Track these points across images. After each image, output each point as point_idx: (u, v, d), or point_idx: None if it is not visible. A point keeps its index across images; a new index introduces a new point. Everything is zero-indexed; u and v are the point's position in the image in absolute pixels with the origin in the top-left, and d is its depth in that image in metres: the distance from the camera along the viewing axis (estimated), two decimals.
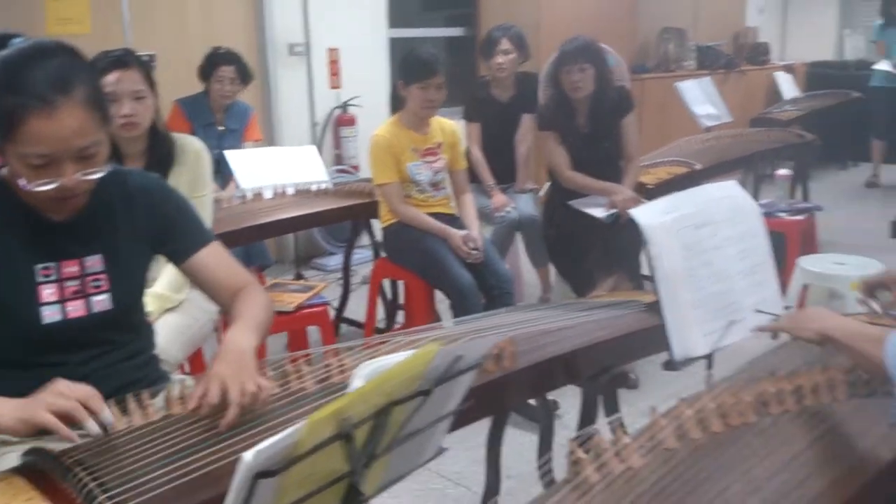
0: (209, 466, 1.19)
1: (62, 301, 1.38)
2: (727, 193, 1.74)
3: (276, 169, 3.63)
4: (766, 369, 1.49)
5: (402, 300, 3.57)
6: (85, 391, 1.23)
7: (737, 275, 1.65)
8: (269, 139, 4.86)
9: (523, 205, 3.81)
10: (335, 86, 5.05)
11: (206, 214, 2.40)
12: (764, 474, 1.14)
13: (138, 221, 1.48)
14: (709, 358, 1.61)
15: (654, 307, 1.61)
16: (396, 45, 5.47)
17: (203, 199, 2.37)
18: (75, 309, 1.39)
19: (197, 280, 1.56)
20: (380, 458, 1.15)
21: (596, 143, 3.30)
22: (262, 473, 0.90)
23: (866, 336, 1.25)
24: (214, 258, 1.55)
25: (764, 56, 7.83)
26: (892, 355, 1.14)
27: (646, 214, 1.57)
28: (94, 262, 1.42)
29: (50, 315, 1.36)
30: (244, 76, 3.95)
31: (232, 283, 1.55)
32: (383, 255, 3.30)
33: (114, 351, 1.47)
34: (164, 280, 2.22)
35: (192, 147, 2.34)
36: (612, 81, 3.30)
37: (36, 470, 1.17)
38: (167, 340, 2.09)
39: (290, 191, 3.39)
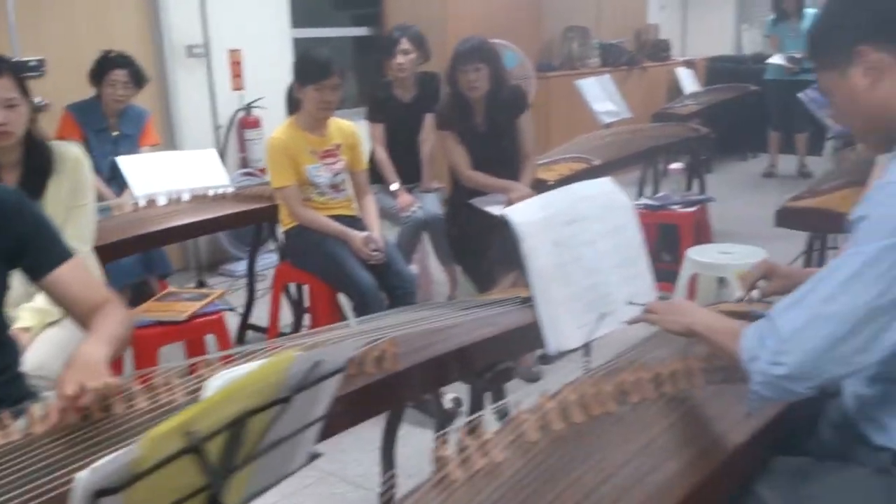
0: (68, 485, 1.16)
1: None
2: (599, 190, 1.80)
3: (174, 174, 3.54)
4: (633, 359, 1.54)
5: (308, 303, 3.54)
6: None
7: (609, 268, 1.70)
8: (170, 144, 4.75)
9: (429, 204, 3.84)
10: (238, 87, 4.96)
11: (89, 224, 2.34)
12: (618, 461, 1.18)
13: None
14: (587, 347, 1.65)
15: (529, 302, 1.64)
16: (301, 46, 5.41)
17: (84, 208, 2.31)
18: None
19: (55, 297, 1.52)
20: (242, 469, 1.14)
21: (494, 141, 3.35)
22: (103, 492, 0.89)
23: (725, 330, 1.29)
24: (73, 275, 1.52)
25: (665, 52, 8.07)
26: (746, 349, 1.19)
27: (518, 213, 1.60)
28: None
29: None
30: (138, 79, 3.85)
31: (90, 299, 1.52)
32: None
33: None
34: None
35: (70, 155, 2.27)
36: (507, 80, 3.35)
37: None
38: (49, 355, 2.03)
39: (186, 196, 3.32)
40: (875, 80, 1.22)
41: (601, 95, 5.10)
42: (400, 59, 3.79)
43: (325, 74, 2.94)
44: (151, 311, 2.63)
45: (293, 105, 3.11)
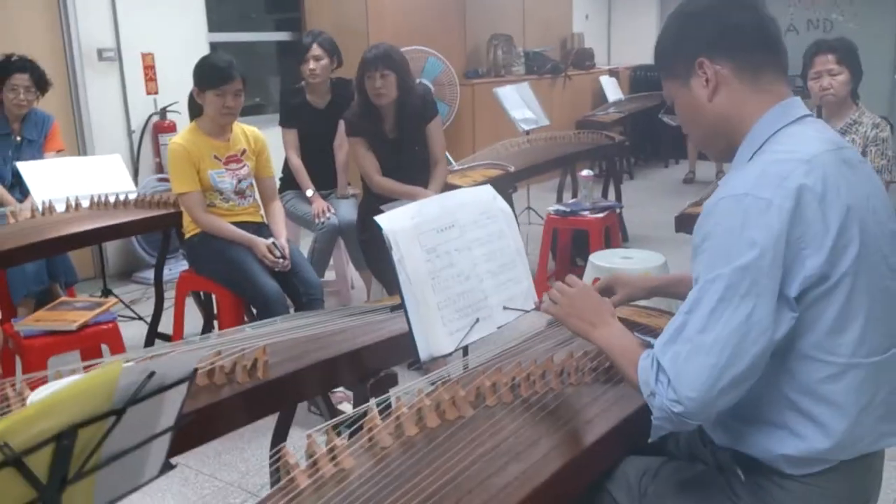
0: None
1: None
2: (477, 198, 1.82)
3: (77, 180, 3.46)
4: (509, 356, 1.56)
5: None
6: None
7: (484, 274, 1.72)
8: (81, 149, 4.64)
9: (344, 210, 3.82)
10: (152, 91, 4.88)
11: None
12: (464, 465, 1.19)
13: None
14: (465, 349, 1.67)
15: (399, 310, 1.65)
16: (220, 50, 5.35)
17: None
18: None
19: None
20: (79, 480, 1.12)
21: (404, 147, 3.35)
22: None
23: (624, 354, 1.27)
24: None
25: (590, 61, 8.21)
26: (643, 383, 1.19)
27: (389, 220, 1.61)
28: None
29: None
30: (40, 84, 3.75)
31: None
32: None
33: None
34: None
35: None
36: (414, 88, 3.36)
37: None
38: None
39: (84, 203, 3.24)
40: (713, 92, 1.26)
41: (519, 103, 5.17)
42: (312, 64, 3.78)
43: (225, 80, 2.91)
44: (42, 320, 2.56)
45: (195, 110, 3.07)
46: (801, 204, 1.12)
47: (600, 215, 3.97)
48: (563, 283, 1.47)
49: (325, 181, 3.96)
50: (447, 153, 4.15)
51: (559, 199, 5.28)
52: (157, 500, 2.48)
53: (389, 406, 1.39)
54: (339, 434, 1.27)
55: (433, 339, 1.59)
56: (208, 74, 2.93)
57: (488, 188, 1.89)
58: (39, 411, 0.98)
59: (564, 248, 4.35)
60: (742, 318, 1.11)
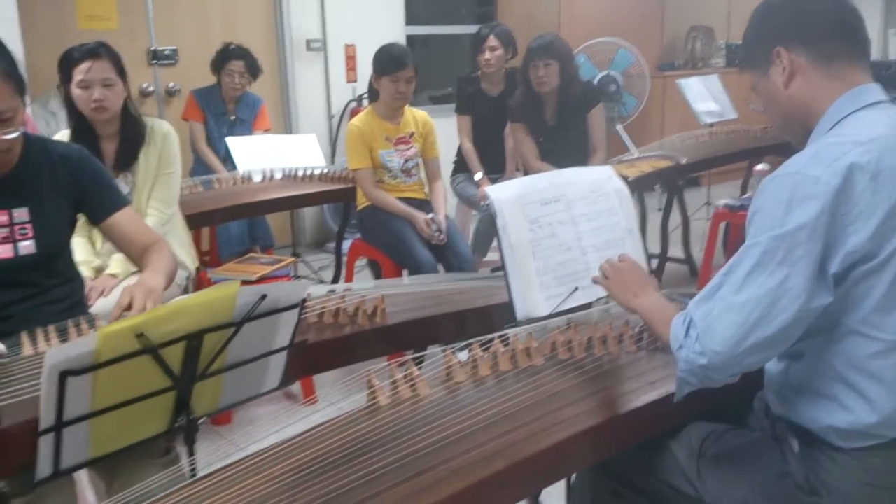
0: None
1: None
2: (593, 177, 1.92)
3: (275, 154, 3.92)
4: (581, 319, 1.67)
5: None
6: None
7: (588, 247, 1.83)
8: (286, 129, 5.18)
9: None
10: (351, 80, 5.33)
11: (173, 189, 2.69)
12: (520, 401, 1.34)
13: (60, 183, 1.77)
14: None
15: (500, 272, 1.80)
16: (414, 42, 5.73)
17: (170, 176, 2.67)
18: (4, 251, 1.69)
19: (112, 238, 1.84)
20: (205, 379, 1.39)
21: (563, 134, 3.47)
22: (68, 372, 1.16)
23: (660, 316, 1.37)
24: (127, 220, 1.83)
25: None
26: (674, 337, 1.28)
27: (497, 191, 1.77)
28: (22, 213, 1.72)
29: None
30: (253, 70, 4.27)
31: (142, 241, 1.83)
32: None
33: (39, 294, 1.76)
34: None
35: (160, 130, 2.64)
36: (577, 76, 3.46)
37: None
38: None
39: (278, 175, 3.67)
40: (789, 80, 1.32)
41: (704, 95, 5.05)
42: (487, 55, 3.98)
43: (399, 67, 3.19)
44: (230, 270, 2.98)
45: (373, 95, 3.38)
46: (850, 182, 1.15)
47: None
48: (616, 259, 1.58)
49: (495, 165, 4.15)
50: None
51: (742, 193, 5.11)
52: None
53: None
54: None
55: (530, 301, 1.73)
56: (385, 62, 3.23)
57: (608, 169, 1.99)
58: (172, 312, 1.25)
59: (735, 243, 4.23)
60: (775, 284, 1.16)
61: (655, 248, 4.48)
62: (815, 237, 1.15)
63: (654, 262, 4.48)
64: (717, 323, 1.20)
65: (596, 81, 6.03)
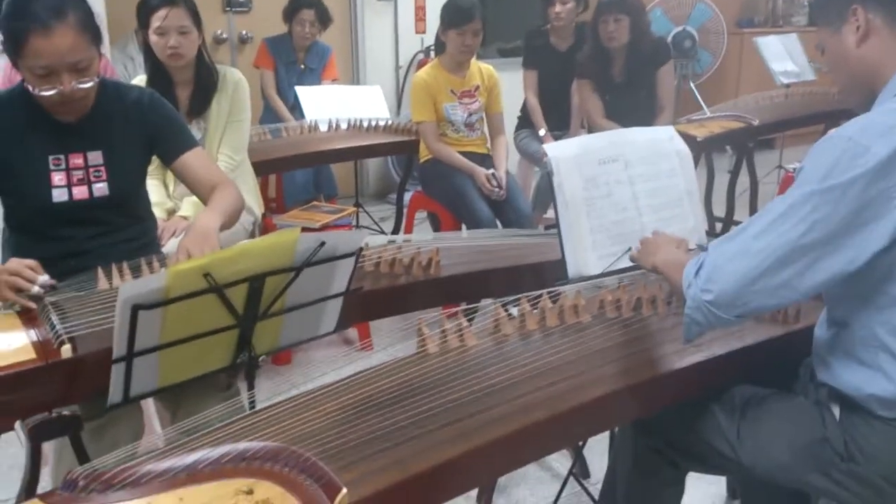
0: None
1: (69, 185, 1.78)
2: (654, 137, 1.91)
3: (341, 105, 3.97)
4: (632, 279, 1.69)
5: None
6: (17, 266, 1.59)
7: (644, 208, 1.83)
8: (354, 79, 5.23)
9: None
10: (420, 31, 5.32)
11: (242, 136, 2.77)
12: (563, 356, 1.38)
13: (133, 127, 1.85)
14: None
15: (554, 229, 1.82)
16: None
17: (240, 123, 2.74)
18: (80, 192, 1.79)
19: (182, 177, 1.93)
20: (267, 319, 1.46)
21: (630, 91, 3.43)
22: (139, 306, 1.24)
23: (675, 263, 1.40)
24: (196, 160, 1.91)
25: None
26: (685, 277, 1.31)
27: (554, 148, 1.78)
28: (96, 156, 1.81)
29: (59, 195, 1.77)
30: (323, 19, 4.32)
31: (210, 180, 1.91)
32: None
33: (113, 232, 1.87)
34: None
35: (232, 78, 2.71)
36: (648, 32, 3.40)
37: (28, 310, 1.58)
38: None
39: (344, 125, 3.73)
40: (862, 39, 1.29)
41: (782, 54, 4.88)
42: (558, 7, 3.91)
43: (466, 19, 3.18)
44: (294, 217, 3.08)
45: (440, 48, 3.39)
46: None
47: None
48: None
49: (560, 122, 4.12)
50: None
51: None
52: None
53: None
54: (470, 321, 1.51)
55: (582, 259, 1.75)
56: (452, 14, 3.22)
57: (668, 129, 1.98)
58: (236, 254, 1.33)
59: None
60: (793, 237, 1.19)
61: (722, 211, 4.41)
62: (844, 200, 1.16)
63: (719, 226, 4.42)
64: (729, 264, 1.24)
65: (670, 37, 5.88)
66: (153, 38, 2.54)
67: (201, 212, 1.84)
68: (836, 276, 1.20)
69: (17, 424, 1.22)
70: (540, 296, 1.56)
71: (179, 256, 1.66)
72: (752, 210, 4.55)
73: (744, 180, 4.42)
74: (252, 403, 1.42)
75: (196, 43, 2.59)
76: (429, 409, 1.22)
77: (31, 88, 1.67)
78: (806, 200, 1.19)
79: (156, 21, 2.51)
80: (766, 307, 1.25)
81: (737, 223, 4.44)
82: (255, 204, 2.86)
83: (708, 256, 1.28)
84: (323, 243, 1.41)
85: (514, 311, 1.55)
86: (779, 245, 1.20)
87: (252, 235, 2.83)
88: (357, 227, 3.76)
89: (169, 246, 2.29)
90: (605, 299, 1.57)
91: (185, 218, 2.57)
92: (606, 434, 1.98)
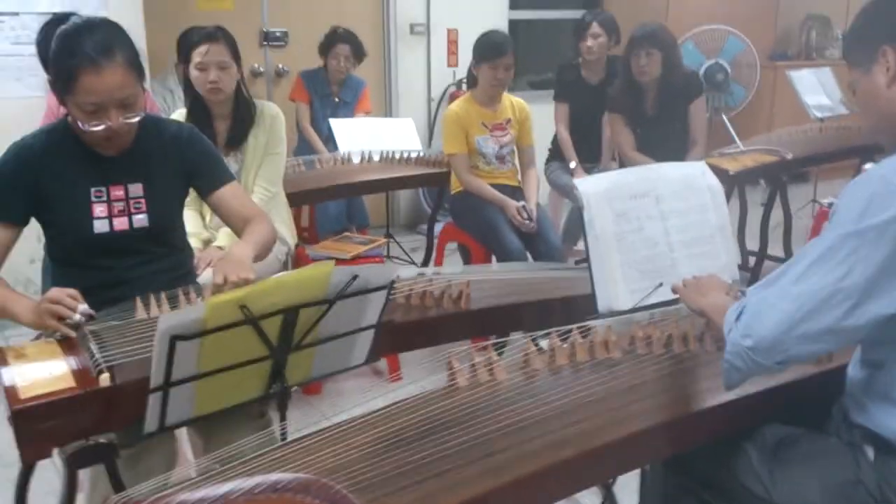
0: None
1: (110, 217, 1.83)
2: (686, 172, 1.92)
3: (374, 137, 4.03)
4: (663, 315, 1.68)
5: None
6: (58, 294, 1.63)
7: (676, 243, 1.83)
8: (387, 111, 5.30)
9: None
10: (452, 64, 5.39)
11: (278, 169, 2.83)
12: (594, 391, 1.37)
13: (171, 161, 1.90)
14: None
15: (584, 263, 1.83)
16: (517, 27, 5.74)
17: (276, 157, 2.80)
18: (120, 223, 1.84)
19: (218, 210, 1.97)
20: (300, 350, 1.48)
21: (662, 126, 3.43)
22: (177, 337, 1.27)
23: (719, 307, 1.40)
24: (232, 194, 1.96)
25: None
26: (726, 321, 1.31)
27: (585, 183, 1.80)
28: (136, 188, 1.86)
29: (100, 227, 1.82)
30: (358, 54, 4.40)
31: (244, 214, 1.95)
32: None
33: (151, 262, 1.91)
34: None
35: (269, 112, 2.77)
36: (680, 66, 3.41)
37: (68, 338, 1.61)
38: None
39: (376, 157, 3.78)
40: (893, 80, 1.29)
41: (816, 88, 4.87)
42: (590, 42, 3.96)
43: (499, 54, 3.22)
44: (326, 247, 3.12)
45: (472, 81, 3.43)
46: None
47: None
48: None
49: (591, 155, 4.13)
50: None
51: None
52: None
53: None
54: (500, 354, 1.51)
55: (612, 293, 1.76)
56: (485, 49, 3.27)
57: (701, 164, 1.99)
58: (272, 287, 1.35)
59: None
60: (832, 280, 1.18)
61: (755, 245, 4.37)
62: (881, 241, 1.15)
63: (752, 260, 4.37)
64: (770, 309, 1.23)
65: (703, 70, 5.89)
66: (194, 72, 2.61)
67: (235, 243, 1.88)
68: (879, 319, 1.19)
69: (55, 451, 1.25)
70: (570, 330, 1.56)
71: (216, 280, 1.70)
72: (786, 244, 4.51)
73: (777, 214, 4.38)
74: (283, 434, 1.44)
75: (235, 77, 2.65)
76: (458, 444, 1.22)
77: (79, 125, 1.72)
78: (843, 242, 1.18)
79: (196, 56, 2.59)
80: (808, 353, 1.23)
81: (770, 257, 4.40)
82: (288, 235, 2.91)
83: (748, 301, 1.28)
84: (356, 276, 1.43)
85: (544, 343, 1.56)
86: (819, 288, 1.19)
87: (285, 266, 2.87)
88: (388, 257, 3.79)
89: (204, 276, 2.34)
90: (636, 335, 1.57)
91: (220, 248, 2.62)
92: (637, 472, 1.96)
